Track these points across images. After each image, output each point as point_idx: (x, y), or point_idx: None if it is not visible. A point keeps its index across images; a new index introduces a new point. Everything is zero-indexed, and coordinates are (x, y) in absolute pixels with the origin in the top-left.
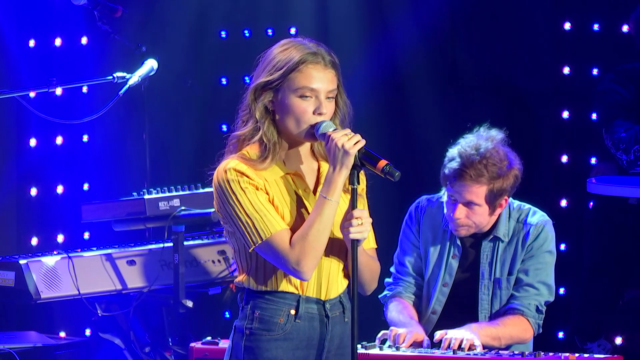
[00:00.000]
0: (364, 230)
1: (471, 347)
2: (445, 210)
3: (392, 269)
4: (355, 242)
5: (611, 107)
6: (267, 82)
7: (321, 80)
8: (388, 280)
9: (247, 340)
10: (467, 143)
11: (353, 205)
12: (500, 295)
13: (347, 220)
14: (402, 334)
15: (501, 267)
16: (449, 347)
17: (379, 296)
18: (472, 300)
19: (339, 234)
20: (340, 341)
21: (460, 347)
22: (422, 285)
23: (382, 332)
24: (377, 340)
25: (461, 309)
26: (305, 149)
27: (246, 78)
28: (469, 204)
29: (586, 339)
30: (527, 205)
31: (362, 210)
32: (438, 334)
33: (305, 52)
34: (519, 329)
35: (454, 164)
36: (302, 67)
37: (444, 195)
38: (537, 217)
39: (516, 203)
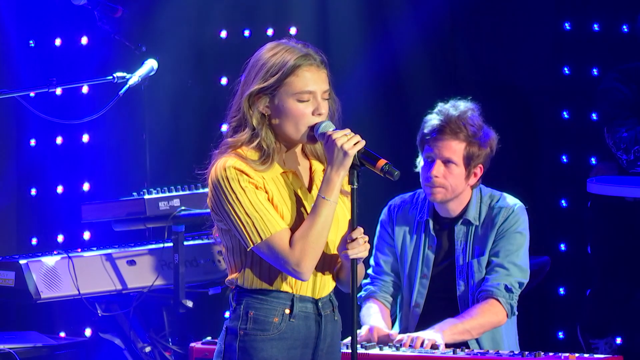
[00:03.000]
0: (366, 248)
1: (433, 347)
2: (421, 176)
3: (369, 271)
4: (356, 260)
5: (613, 106)
6: (262, 89)
7: (317, 81)
8: (365, 281)
9: (241, 341)
10: (444, 106)
11: (352, 204)
12: (474, 279)
13: (349, 242)
14: (363, 334)
15: (474, 251)
16: (411, 345)
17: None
18: (451, 288)
19: (332, 235)
20: (331, 339)
21: (421, 346)
22: (398, 284)
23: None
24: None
25: (442, 299)
26: (298, 149)
27: None
28: (447, 162)
29: (594, 336)
30: (500, 192)
31: (359, 229)
32: (400, 337)
33: (298, 56)
34: (489, 315)
35: (434, 121)
36: (298, 70)
37: (420, 162)
38: (508, 200)
39: (488, 190)
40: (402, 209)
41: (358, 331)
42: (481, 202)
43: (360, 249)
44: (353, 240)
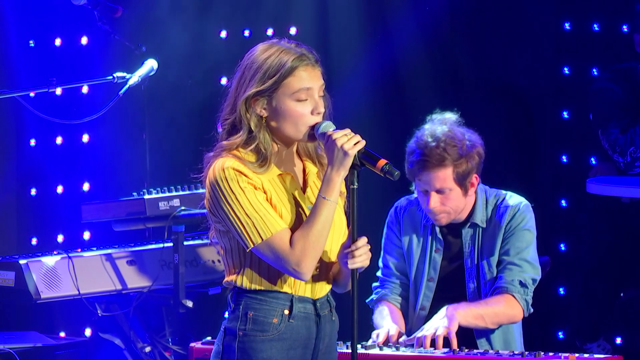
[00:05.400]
0: (368, 257)
1: (445, 341)
2: (420, 204)
3: (378, 273)
4: (356, 269)
5: (606, 106)
6: (259, 91)
7: (313, 79)
8: (375, 284)
9: (241, 342)
10: (422, 133)
11: (352, 204)
12: (486, 279)
13: (350, 252)
14: (383, 334)
15: (483, 252)
16: (421, 346)
17: (366, 300)
18: (460, 291)
19: (330, 235)
20: (329, 339)
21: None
22: (407, 285)
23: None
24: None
25: (450, 300)
26: (293, 149)
27: None
28: (440, 191)
29: (586, 340)
30: (504, 191)
31: (363, 238)
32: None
33: (294, 57)
34: (503, 305)
35: (415, 156)
36: (295, 71)
37: (415, 191)
38: (514, 199)
39: (493, 190)
40: (408, 210)
41: (376, 331)
42: (487, 204)
43: (361, 258)
44: (354, 250)
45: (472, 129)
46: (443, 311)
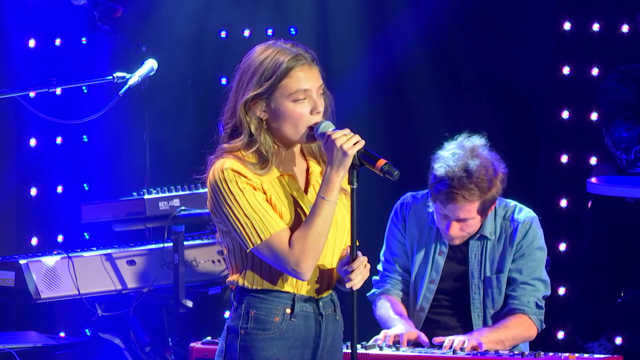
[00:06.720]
0: (368, 270)
1: (475, 349)
2: (436, 222)
3: (379, 267)
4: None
5: (612, 106)
6: (257, 94)
7: (310, 79)
8: (375, 278)
9: (242, 340)
10: (453, 161)
11: (352, 205)
12: (492, 294)
13: (350, 272)
14: (391, 335)
15: (491, 266)
16: (451, 347)
17: (367, 294)
18: (462, 298)
19: (331, 234)
20: (333, 339)
21: (462, 349)
22: (409, 281)
23: (374, 338)
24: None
25: (450, 306)
26: (296, 149)
27: None
28: (462, 220)
29: (587, 339)
30: (513, 203)
31: (358, 259)
32: (440, 339)
33: (289, 57)
34: (521, 329)
35: (444, 187)
36: (291, 72)
37: (431, 206)
38: (524, 214)
39: (502, 200)
40: (414, 207)
41: (385, 332)
42: (496, 215)
43: (357, 279)
44: (350, 273)
45: (491, 153)
46: (468, 334)
